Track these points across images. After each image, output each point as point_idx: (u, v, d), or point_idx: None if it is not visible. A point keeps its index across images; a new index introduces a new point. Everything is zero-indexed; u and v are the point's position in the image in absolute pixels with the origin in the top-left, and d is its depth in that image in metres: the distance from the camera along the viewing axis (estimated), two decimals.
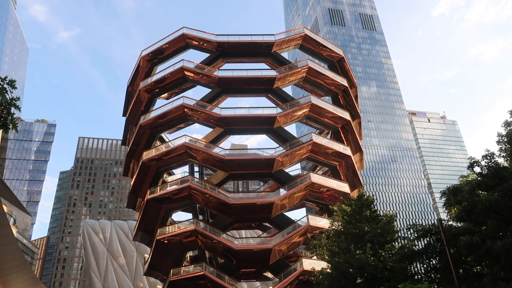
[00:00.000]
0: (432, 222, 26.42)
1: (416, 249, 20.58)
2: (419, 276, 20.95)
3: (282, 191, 36.28)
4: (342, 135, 42.58)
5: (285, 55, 48.50)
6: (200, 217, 40.90)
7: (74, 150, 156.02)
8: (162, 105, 40.14)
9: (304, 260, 34.70)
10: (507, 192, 17.18)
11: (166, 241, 36.32)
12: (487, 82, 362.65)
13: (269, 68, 43.69)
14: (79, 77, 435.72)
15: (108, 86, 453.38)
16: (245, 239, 53.40)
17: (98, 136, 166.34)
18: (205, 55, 43.29)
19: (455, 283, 16.63)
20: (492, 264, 16.29)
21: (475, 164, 20.50)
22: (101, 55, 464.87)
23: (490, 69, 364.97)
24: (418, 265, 22.14)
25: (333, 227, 24.91)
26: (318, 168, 46.86)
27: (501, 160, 20.45)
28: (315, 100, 39.73)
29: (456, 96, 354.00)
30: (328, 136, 43.92)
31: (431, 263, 20.50)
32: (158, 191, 37.15)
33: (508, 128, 20.33)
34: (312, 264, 33.48)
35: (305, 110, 39.77)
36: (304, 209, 62.87)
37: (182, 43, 42.47)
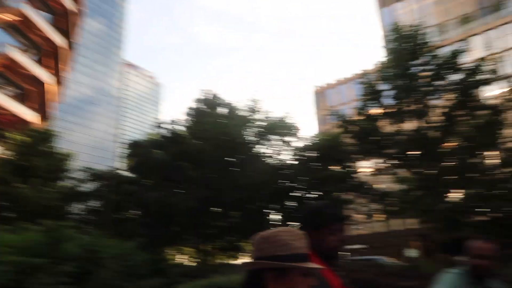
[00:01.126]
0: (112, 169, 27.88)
1: (83, 191, 21.07)
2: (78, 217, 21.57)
3: None
4: (49, 61, 38.15)
5: None
6: None
7: None
8: None
9: None
10: (174, 155, 20.22)
11: None
12: (202, 59, 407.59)
13: None
14: None
15: None
16: None
17: None
18: None
19: (108, 225, 18.16)
20: (143, 211, 18.82)
21: (160, 126, 23.01)
22: None
23: (208, 49, 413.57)
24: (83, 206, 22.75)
25: (4, 156, 21.98)
26: (8, 88, 40.00)
27: (183, 128, 23.84)
28: (27, 10, 33.61)
29: (174, 61, 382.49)
30: (34, 57, 38.28)
31: (92, 206, 21.51)
32: None
33: (197, 104, 23.95)
34: None
35: (11, 17, 33.04)
36: None
37: None
